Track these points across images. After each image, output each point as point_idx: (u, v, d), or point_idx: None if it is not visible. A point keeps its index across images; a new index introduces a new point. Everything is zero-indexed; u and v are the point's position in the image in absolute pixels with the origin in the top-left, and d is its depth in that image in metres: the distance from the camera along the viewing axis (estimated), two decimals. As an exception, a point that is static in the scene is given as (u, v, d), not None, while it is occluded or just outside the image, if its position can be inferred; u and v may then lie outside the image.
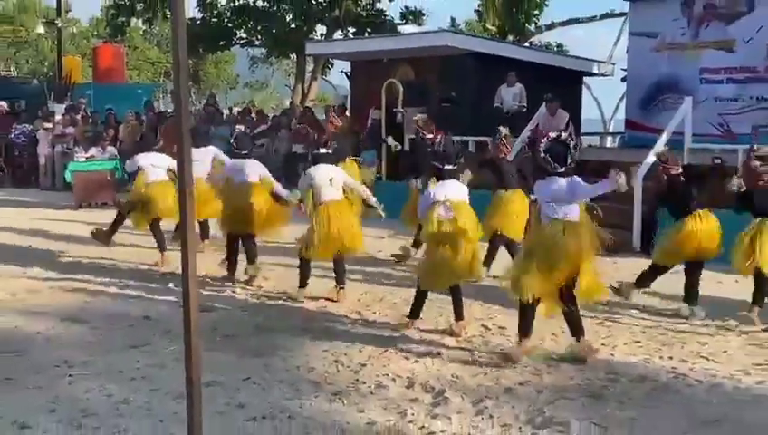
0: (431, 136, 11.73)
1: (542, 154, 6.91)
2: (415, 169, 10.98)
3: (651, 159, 12.04)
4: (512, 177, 10.01)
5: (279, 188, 9.98)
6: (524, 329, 6.94)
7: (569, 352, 6.92)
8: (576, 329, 6.94)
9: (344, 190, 9.05)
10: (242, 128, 15.88)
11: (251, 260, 9.86)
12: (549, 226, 6.82)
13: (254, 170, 9.93)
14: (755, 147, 8.29)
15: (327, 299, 8.92)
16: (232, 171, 9.99)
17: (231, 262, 9.94)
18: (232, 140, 10.40)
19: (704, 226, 8.31)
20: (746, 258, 7.99)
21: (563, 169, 6.86)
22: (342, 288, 9.02)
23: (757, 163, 7.90)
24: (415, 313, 7.89)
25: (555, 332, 7.39)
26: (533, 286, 6.73)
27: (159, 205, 10.64)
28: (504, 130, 10.52)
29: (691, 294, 8.49)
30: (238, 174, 9.85)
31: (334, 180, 8.93)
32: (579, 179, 6.87)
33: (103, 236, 11.30)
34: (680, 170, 8.69)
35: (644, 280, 8.81)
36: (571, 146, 6.95)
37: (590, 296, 7.02)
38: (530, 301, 6.79)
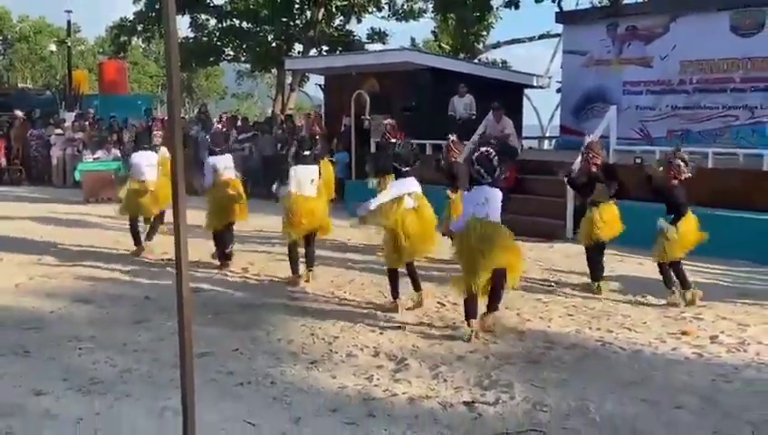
0: (395, 140, 11.70)
1: (475, 166, 6.98)
2: (381, 170, 10.99)
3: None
4: (459, 178, 10.01)
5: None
6: (471, 314, 6.91)
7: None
8: (491, 305, 6.96)
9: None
10: (219, 127, 15.69)
11: (230, 240, 9.84)
12: (473, 223, 6.80)
13: (231, 166, 9.91)
14: (680, 149, 8.30)
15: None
16: (215, 168, 9.83)
17: (224, 252, 9.84)
18: (208, 137, 10.26)
19: (607, 213, 8.47)
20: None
21: (491, 180, 6.91)
22: (311, 271, 9.02)
23: (680, 163, 7.90)
24: (395, 293, 7.78)
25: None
26: (470, 281, 6.73)
27: (147, 200, 10.52)
28: (452, 137, 10.53)
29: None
30: (220, 170, 9.77)
31: (315, 180, 8.94)
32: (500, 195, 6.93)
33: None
34: (599, 163, 8.74)
35: (595, 270, 8.77)
36: (496, 163, 6.96)
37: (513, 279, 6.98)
38: (468, 293, 6.78)
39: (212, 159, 9.85)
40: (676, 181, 7.90)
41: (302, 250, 9.06)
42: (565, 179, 9.17)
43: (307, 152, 9.08)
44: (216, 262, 9.80)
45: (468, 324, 6.82)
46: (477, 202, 6.86)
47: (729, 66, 14.83)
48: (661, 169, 8.18)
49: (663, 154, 8.58)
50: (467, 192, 7.15)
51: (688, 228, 7.89)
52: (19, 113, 22.71)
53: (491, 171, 6.91)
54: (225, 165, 9.83)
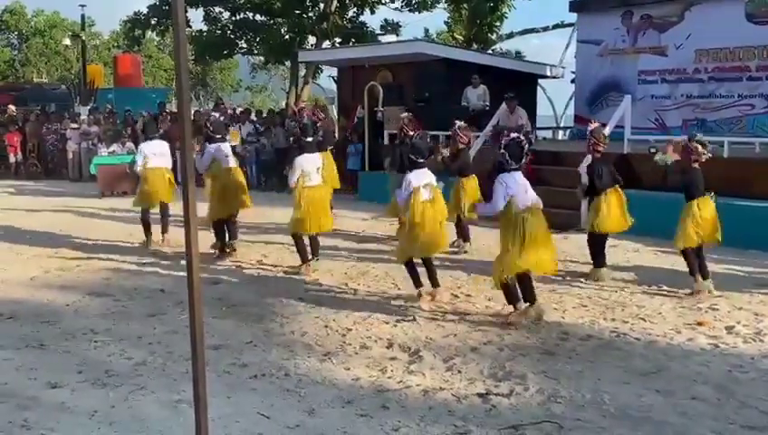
0: (413, 133, 11.68)
1: (502, 152, 6.94)
2: (401, 162, 10.96)
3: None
4: (468, 165, 10.00)
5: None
6: (512, 300, 6.95)
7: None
8: (532, 296, 6.96)
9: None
10: (216, 115, 15.63)
11: (234, 237, 9.86)
12: (519, 213, 6.78)
13: (231, 154, 9.89)
14: (697, 135, 8.28)
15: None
16: (218, 155, 9.76)
17: (223, 242, 9.83)
18: (208, 124, 10.17)
19: (615, 200, 8.49)
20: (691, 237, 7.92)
21: (518, 166, 6.90)
22: (317, 259, 9.10)
23: (698, 146, 7.85)
24: (417, 282, 7.74)
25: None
26: (513, 268, 6.73)
27: (154, 188, 10.52)
28: (458, 123, 10.44)
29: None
30: (223, 159, 9.72)
31: (320, 169, 8.96)
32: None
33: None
34: (602, 149, 8.78)
35: (597, 256, 8.80)
36: (526, 148, 6.97)
37: (545, 269, 7.02)
38: (507, 280, 6.80)
39: (212, 147, 9.81)
40: (696, 165, 7.84)
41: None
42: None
43: (310, 139, 9.07)
44: (216, 253, 9.80)
45: (516, 308, 6.89)
46: (518, 190, 6.84)
47: (744, 55, 14.68)
48: (663, 154, 8.16)
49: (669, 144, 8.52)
50: (502, 175, 7.00)
51: (707, 215, 7.82)
52: (12, 108, 22.90)
53: (517, 158, 6.89)
54: (225, 153, 9.77)
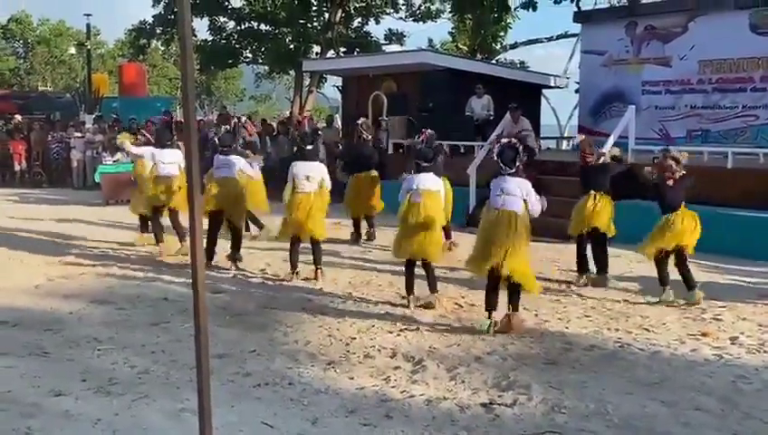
0: (371, 138, 11.82)
1: (495, 158, 7.10)
2: (350, 164, 11.19)
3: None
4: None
5: (249, 170, 10.09)
6: (491, 305, 7.04)
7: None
8: (513, 303, 7.02)
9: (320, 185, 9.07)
10: (228, 127, 15.67)
11: (236, 246, 9.83)
12: (492, 214, 6.96)
13: (237, 165, 9.87)
14: (670, 148, 8.42)
15: (308, 279, 9.03)
16: (220, 165, 9.82)
17: (211, 249, 9.68)
18: (216, 139, 10.21)
19: (597, 204, 8.71)
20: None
21: (513, 170, 6.99)
22: (320, 268, 9.10)
23: (672, 163, 7.96)
24: (408, 289, 7.92)
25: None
26: (481, 264, 6.95)
27: (166, 197, 10.50)
28: (429, 132, 10.39)
29: (602, 264, 8.90)
30: (224, 169, 9.75)
31: (311, 177, 8.96)
32: (531, 189, 7.03)
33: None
34: (592, 159, 9.06)
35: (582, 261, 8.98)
36: (520, 150, 7.05)
37: (522, 280, 6.93)
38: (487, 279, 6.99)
39: (219, 158, 9.91)
40: (671, 182, 7.91)
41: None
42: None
43: (309, 147, 9.13)
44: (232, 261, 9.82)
45: (489, 316, 6.97)
46: (495, 192, 7.02)
47: (748, 65, 14.68)
48: (649, 169, 8.35)
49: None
50: (494, 179, 7.18)
51: (681, 228, 7.90)
52: (17, 117, 22.98)
53: (510, 161, 6.99)
54: (219, 164, 9.80)
